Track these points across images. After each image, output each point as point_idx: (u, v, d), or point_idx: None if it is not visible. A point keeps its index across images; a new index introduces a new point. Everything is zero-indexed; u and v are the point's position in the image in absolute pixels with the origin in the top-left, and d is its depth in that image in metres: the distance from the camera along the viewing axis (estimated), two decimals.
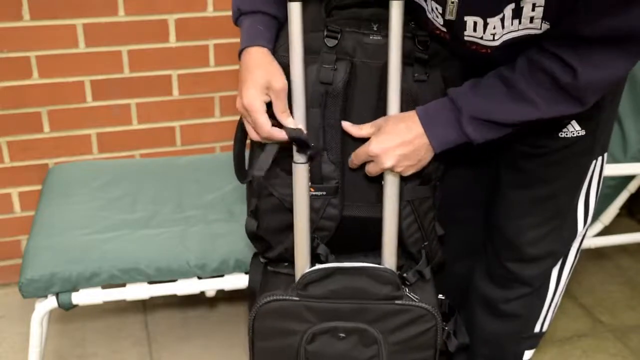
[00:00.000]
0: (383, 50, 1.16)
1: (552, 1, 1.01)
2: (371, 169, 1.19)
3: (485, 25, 1.09)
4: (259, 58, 1.15)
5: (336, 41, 1.16)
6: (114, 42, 1.95)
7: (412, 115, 1.16)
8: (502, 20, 1.07)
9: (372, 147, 1.16)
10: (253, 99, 1.13)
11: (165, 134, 2.12)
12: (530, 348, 1.51)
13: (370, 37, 1.17)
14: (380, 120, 1.18)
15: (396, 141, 1.15)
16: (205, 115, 2.14)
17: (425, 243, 1.30)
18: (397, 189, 1.22)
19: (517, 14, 1.05)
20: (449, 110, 1.15)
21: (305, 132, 1.17)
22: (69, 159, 2.05)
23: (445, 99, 1.16)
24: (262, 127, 1.14)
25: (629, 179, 1.90)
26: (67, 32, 1.90)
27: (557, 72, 1.06)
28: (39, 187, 2.03)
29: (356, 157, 1.20)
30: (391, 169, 1.18)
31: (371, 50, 1.17)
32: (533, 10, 1.03)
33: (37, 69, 1.92)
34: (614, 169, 1.82)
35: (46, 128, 2.00)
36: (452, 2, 1.08)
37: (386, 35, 1.15)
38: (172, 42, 2.01)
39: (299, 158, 1.19)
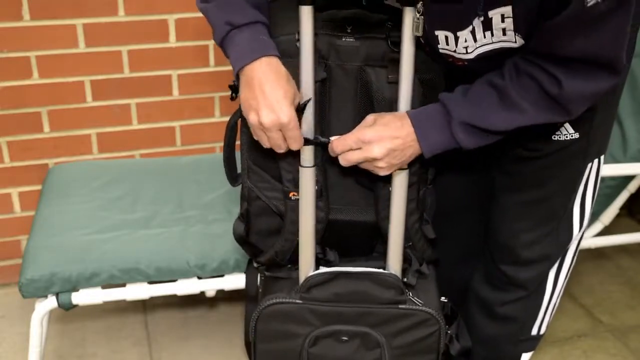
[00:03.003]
0: (357, 52, 1.16)
1: (519, 12, 1.01)
2: (354, 157, 1.15)
3: (457, 38, 1.10)
4: (278, 69, 1.10)
5: None
6: (114, 42, 1.95)
7: (404, 116, 1.15)
8: (473, 33, 1.07)
9: (367, 133, 1.13)
10: (293, 114, 1.09)
11: (165, 134, 2.12)
12: (527, 350, 1.51)
13: (343, 39, 1.16)
14: (370, 116, 1.16)
15: (391, 133, 1.13)
16: (205, 115, 2.14)
17: (409, 244, 1.30)
18: (405, 193, 1.22)
19: (487, 26, 1.05)
20: (441, 114, 1.14)
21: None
22: (69, 159, 2.05)
23: (436, 104, 1.15)
24: (299, 139, 1.12)
25: (629, 179, 1.90)
26: (67, 32, 1.90)
27: (544, 82, 1.06)
28: (39, 187, 2.03)
29: (342, 144, 1.15)
30: (373, 161, 1.14)
31: (344, 53, 1.16)
32: (503, 21, 1.03)
33: (37, 69, 1.92)
34: (614, 169, 1.82)
35: (46, 128, 2.00)
36: (418, 19, 1.08)
37: (360, 37, 1.15)
38: (172, 42, 2.01)
39: (306, 161, 1.18)
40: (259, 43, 1.11)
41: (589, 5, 0.94)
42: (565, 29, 0.99)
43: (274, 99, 1.08)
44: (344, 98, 1.19)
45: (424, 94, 1.19)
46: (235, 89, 1.18)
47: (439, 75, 1.22)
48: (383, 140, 1.13)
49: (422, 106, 1.17)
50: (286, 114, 1.08)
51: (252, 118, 1.10)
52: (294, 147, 1.13)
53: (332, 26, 1.16)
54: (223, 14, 1.12)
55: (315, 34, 1.14)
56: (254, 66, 1.09)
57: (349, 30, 1.16)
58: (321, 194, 1.23)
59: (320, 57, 1.16)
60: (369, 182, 1.24)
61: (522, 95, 1.08)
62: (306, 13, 1.10)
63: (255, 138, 1.15)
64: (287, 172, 1.22)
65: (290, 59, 1.13)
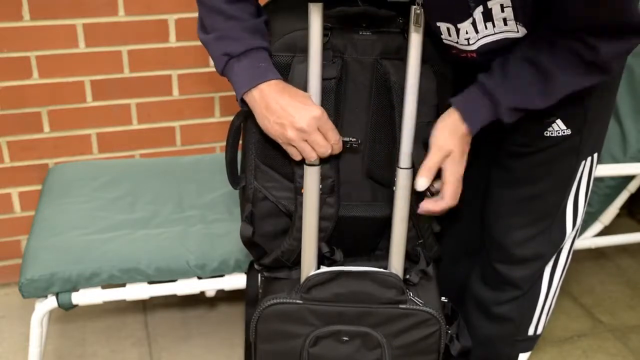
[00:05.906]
0: (373, 46, 1.16)
1: (516, 1, 1.01)
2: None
3: (457, 30, 1.10)
4: (282, 85, 1.12)
5: (327, 38, 1.15)
6: (114, 42, 1.95)
7: (460, 125, 1.15)
8: (474, 25, 1.07)
9: (452, 180, 1.18)
10: (323, 112, 1.12)
11: (165, 134, 2.12)
12: (524, 351, 1.51)
13: (360, 33, 1.16)
14: (440, 145, 1.16)
15: (460, 165, 1.18)
16: (205, 115, 2.14)
17: (420, 241, 1.31)
18: (409, 192, 1.22)
19: (488, 16, 1.05)
20: (487, 102, 1.14)
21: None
22: (69, 159, 2.05)
23: (478, 91, 1.15)
24: (335, 130, 1.14)
25: (629, 179, 1.90)
26: (67, 32, 1.90)
27: (580, 50, 1.07)
28: (39, 187, 2.03)
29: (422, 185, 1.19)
30: None
31: (361, 46, 1.17)
32: (503, 11, 1.04)
33: (37, 69, 1.92)
34: (614, 169, 1.82)
35: (46, 128, 2.00)
36: (417, 12, 1.09)
37: (376, 32, 1.16)
38: (172, 42, 2.01)
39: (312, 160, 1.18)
40: (257, 70, 1.12)
41: None
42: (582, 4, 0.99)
43: (298, 102, 1.11)
44: (358, 92, 1.19)
45: (437, 85, 1.20)
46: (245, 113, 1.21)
47: (450, 67, 1.23)
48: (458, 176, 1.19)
49: (436, 97, 1.19)
50: (316, 108, 1.11)
51: (289, 134, 1.11)
52: (334, 139, 1.14)
53: (347, 21, 1.16)
54: (221, 45, 1.14)
55: (332, 29, 1.15)
56: (257, 90, 1.12)
57: (364, 25, 1.17)
58: (332, 190, 1.23)
59: (336, 52, 1.16)
60: (387, 179, 1.24)
61: (560, 65, 1.09)
62: (315, 10, 1.10)
63: (293, 155, 1.16)
64: (300, 169, 1.22)
65: (302, 54, 1.15)
